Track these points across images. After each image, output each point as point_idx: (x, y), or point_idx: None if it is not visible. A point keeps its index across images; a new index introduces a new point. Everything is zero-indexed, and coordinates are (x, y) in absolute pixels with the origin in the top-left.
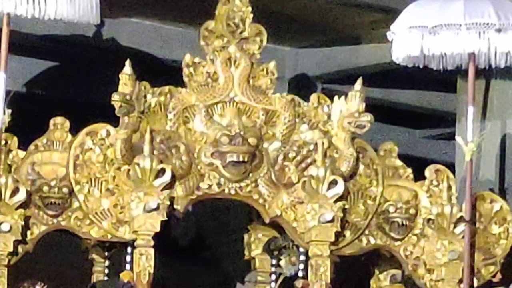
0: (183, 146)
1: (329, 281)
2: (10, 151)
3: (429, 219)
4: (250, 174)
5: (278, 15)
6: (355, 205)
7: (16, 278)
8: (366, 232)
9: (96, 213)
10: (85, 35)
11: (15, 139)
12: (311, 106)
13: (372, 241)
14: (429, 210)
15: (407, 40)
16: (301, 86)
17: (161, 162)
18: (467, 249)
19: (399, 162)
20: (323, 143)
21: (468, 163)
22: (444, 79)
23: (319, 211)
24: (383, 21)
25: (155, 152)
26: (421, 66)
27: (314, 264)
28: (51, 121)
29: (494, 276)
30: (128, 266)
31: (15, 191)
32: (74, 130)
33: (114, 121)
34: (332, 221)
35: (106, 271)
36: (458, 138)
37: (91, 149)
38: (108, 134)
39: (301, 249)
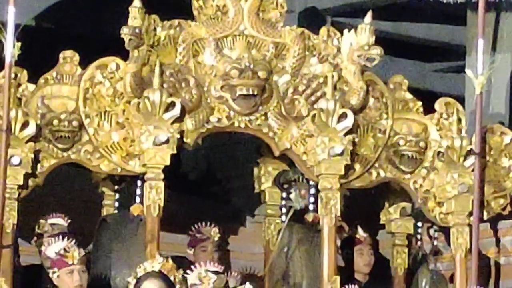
0: (192, 80)
1: (339, 214)
2: (19, 84)
3: (439, 152)
4: (260, 108)
5: None
6: (365, 138)
7: (26, 211)
8: (376, 165)
9: (106, 146)
10: None
11: (25, 72)
12: (321, 39)
13: (382, 174)
14: (439, 143)
15: None
16: (311, 19)
17: (171, 95)
18: (477, 182)
19: (409, 95)
20: (332, 76)
21: (478, 96)
22: (454, 11)
23: (329, 144)
24: None
25: (164, 85)
26: None
27: (324, 197)
28: (61, 55)
29: (504, 209)
30: (138, 200)
31: (25, 125)
32: (84, 63)
33: (123, 54)
34: (342, 154)
35: (116, 204)
36: (468, 71)
37: (100, 82)
38: (118, 67)
39: (311, 182)
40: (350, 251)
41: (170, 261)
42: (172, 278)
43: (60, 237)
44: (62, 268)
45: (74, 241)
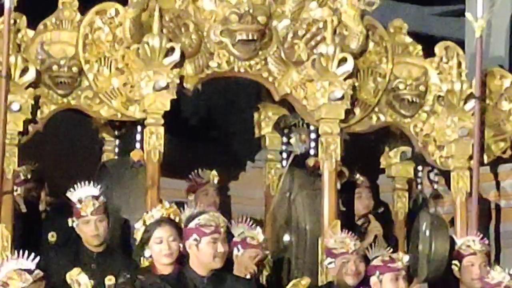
0: (192, 25)
1: (339, 158)
2: (19, 30)
3: (439, 96)
4: (260, 52)
5: None
6: (365, 82)
7: (27, 157)
8: (376, 109)
9: (106, 92)
10: None
11: (24, 18)
12: None
13: (382, 118)
14: (439, 87)
15: None
16: None
17: (170, 40)
18: (477, 126)
19: (408, 39)
20: (332, 21)
21: (478, 39)
22: None
23: (329, 89)
24: None
25: (164, 30)
26: None
27: (325, 142)
28: (60, 0)
29: (504, 152)
30: (138, 145)
31: (24, 71)
32: (83, 9)
33: (123, 0)
34: (342, 98)
35: (116, 150)
36: (467, 15)
37: (100, 28)
38: (117, 13)
39: (311, 127)
40: (350, 195)
41: (174, 206)
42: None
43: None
44: (79, 218)
45: (98, 188)
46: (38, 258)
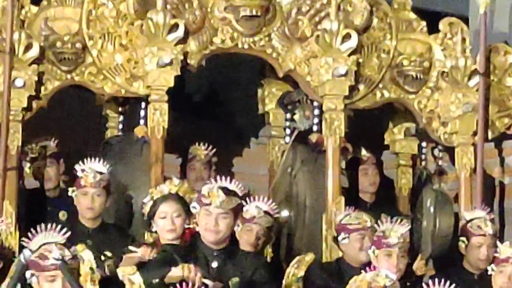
0: (196, 1)
1: (343, 135)
2: (22, 6)
3: (443, 72)
4: (264, 28)
5: None
6: (369, 58)
7: (31, 133)
8: (380, 85)
9: (110, 68)
10: None
11: None
12: None
13: (386, 94)
14: (443, 63)
15: None
16: None
17: (174, 16)
18: (481, 102)
19: (413, 15)
20: None
21: (482, 15)
22: None
23: (333, 65)
24: None
25: (168, 6)
26: None
27: (328, 118)
28: None
29: (508, 128)
30: (142, 121)
31: (28, 47)
32: None
33: None
34: (346, 74)
35: (120, 126)
36: None
37: (103, 4)
38: None
39: (315, 103)
40: (355, 171)
41: (186, 183)
42: (188, 200)
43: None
44: (78, 188)
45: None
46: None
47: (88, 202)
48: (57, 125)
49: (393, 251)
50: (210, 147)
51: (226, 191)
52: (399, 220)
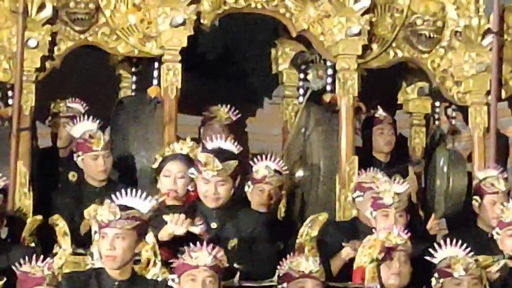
0: None
1: (356, 94)
2: None
3: (456, 31)
4: None
5: None
6: (382, 18)
7: (44, 94)
8: (394, 45)
9: (123, 28)
10: None
11: None
12: None
13: (400, 54)
14: (456, 22)
15: None
16: None
17: None
18: (494, 61)
19: None
20: None
21: None
22: None
23: (346, 25)
24: None
25: None
26: None
27: (342, 78)
28: None
29: None
30: (155, 82)
31: (41, 7)
32: None
33: None
34: (359, 34)
35: (133, 86)
36: None
37: None
38: None
39: (329, 63)
40: (370, 131)
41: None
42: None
43: (86, 117)
44: (87, 152)
45: (98, 123)
46: None
47: (101, 165)
48: (70, 86)
49: (390, 211)
50: (233, 110)
51: (223, 157)
52: (397, 179)
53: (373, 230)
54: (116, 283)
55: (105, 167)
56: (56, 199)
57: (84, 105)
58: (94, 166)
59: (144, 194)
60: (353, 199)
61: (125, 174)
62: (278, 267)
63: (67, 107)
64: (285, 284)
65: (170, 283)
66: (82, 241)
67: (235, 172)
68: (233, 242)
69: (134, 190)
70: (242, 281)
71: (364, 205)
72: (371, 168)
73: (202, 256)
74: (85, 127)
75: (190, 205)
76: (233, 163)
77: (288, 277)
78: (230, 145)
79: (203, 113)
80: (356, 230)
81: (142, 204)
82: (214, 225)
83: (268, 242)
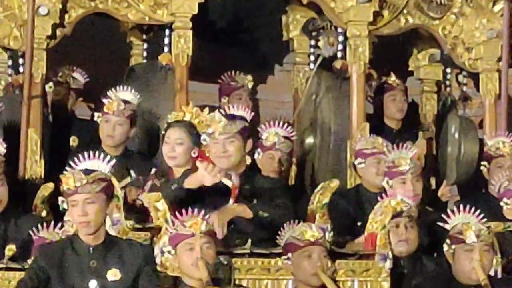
0: None
1: (367, 61)
2: None
3: None
4: None
5: None
6: None
7: (55, 61)
8: (404, 11)
9: None
10: None
11: None
12: None
13: (410, 20)
14: None
15: None
16: None
17: None
18: (505, 27)
19: None
20: None
21: None
22: None
23: None
24: None
25: None
26: None
27: (353, 44)
28: None
29: None
30: (166, 49)
31: None
32: None
33: None
34: (370, 0)
35: (145, 54)
36: None
37: None
38: None
39: (340, 30)
40: (382, 98)
41: (206, 110)
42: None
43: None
44: (103, 115)
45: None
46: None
47: (108, 130)
48: (81, 53)
49: (407, 177)
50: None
51: (229, 117)
52: (408, 145)
53: (378, 197)
54: (91, 248)
55: (112, 133)
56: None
57: (86, 76)
58: (104, 129)
59: (102, 155)
60: (355, 166)
61: (137, 142)
62: (278, 237)
63: (72, 78)
64: (290, 254)
65: (166, 255)
66: None
67: (243, 131)
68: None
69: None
70: (254, 247)
71: (366, 171)
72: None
73: (196, 224)
74: (119, 93)
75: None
76: (240, 122)
77: (293, 247)
78: (242, 111)
79: (225, 83)
80: (359, 197)
81: (103, 165)
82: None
83: (287, 209)
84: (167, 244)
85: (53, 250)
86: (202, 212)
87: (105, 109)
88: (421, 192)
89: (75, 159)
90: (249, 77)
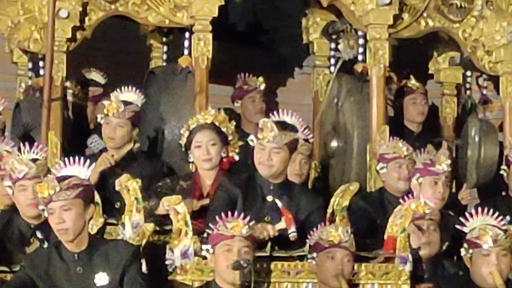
0: None
1: (387, 64)
2: None
3: (487, 1)
4: None
5: None
6: None
7: (75, 64)
8: (425, 14)
9: None
10: None
11: None
12: None
13: (431, 23)
14: None
15: None
16: None
17: None
18: None
19: None
20: None
21: None
22: None
23: None
24: None
25: None
26: None
27: (373, 47)
28: None
29: None
30: (186, 52)
31: None
32: None
33: None
34: (390, 3)
35: (164, 56)
36: None
37: None
38: None
39: (360, 33)
40: (402, 101)
41: (222, 113)
42: (224, 130)
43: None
44: (104, 116)
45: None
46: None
47: (109, 131)
48: (101, 56)
49: (440, 179)
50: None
51: (282, 126)
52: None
53: (400, 200)
54: (76, 255)
55: (112, 135)
56: None
57: (105, 76)
58: (105, 131)
59: (82, 160)
60: (377, 171)
61: (155, 144)
62: (308, 236)
63: (92, 80)
64: (315, 254)
65: (203, 253)
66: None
67: (292, 143)
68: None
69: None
70: (274, 251)
71: (388, 176)
72: (401, 138)
73: (237, 226)
74: (121, 95)
75: (248, 176)
76: (291, 134)
77: (318, 247)
78: (295, 120)
79: (238, 86)
80: (382, 200)
81: (81, 170)
82: (270, 198)
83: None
84: (207, 243)
85: (40, 259)
86: (247, 217)
87: (105, 111)
88: (446, 198)
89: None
90: (261, 79)
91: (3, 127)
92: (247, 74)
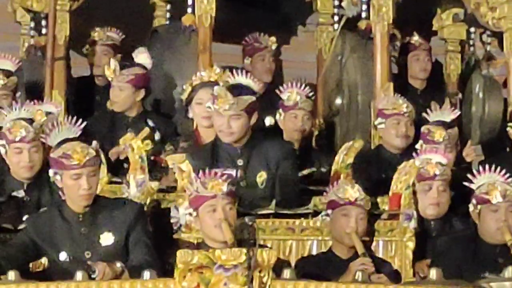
0: None
1: (391, 21)
2: None
3: None
4: None
5: None
6: None
7: (77, 23)
8: None
9: None
10: None
11: None
12: None
13: None
14: None
15: None
16: None
17: None
18: None
19: None
20: None
21: None
22: None
23: None
24: None
25: None
26: None
27: (376, 4)
28: None
29: None
30: (189, 10)
31: None
32: None
33: None
34: None
35: (168, 15)
36: None
37: None
38: None
39: None
40: (406, 57)
41: (228, 71)
42: None
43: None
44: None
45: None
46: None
47: (112, 95)
48: (104, 15)
49: (439, 147)
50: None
51: (237, 91)
52: (447, 106)
53: (398, 156)
54: (80, 215)
55: (116, 99)
56: (92, 127)
57: (120, 34)
58: (110, 94)
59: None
60: (375, 126)
61: (160, 102)
62: (324, 193)
63: (106, 36)
64: (329, 211)
65: (187, 217)
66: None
67: (250, 107)
68: (261, 176)
69: None
70: (278, 208)
71: (386, 132)
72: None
73: (218, 185)
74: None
75: (213, 144)
76: (248, 98)
77: (333, 204)
78: (251, 81)
79: (249, 43)
80: (379, 157)
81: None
82: (240, 162)
83: (297, 171)
84: (188, 207)
85: (42, 221)
86: (224, 172)
87: (109, 76)
88: (452, 164)
89: None
90: (273, 38)
91: (15, 88)
92: (257, 33)
